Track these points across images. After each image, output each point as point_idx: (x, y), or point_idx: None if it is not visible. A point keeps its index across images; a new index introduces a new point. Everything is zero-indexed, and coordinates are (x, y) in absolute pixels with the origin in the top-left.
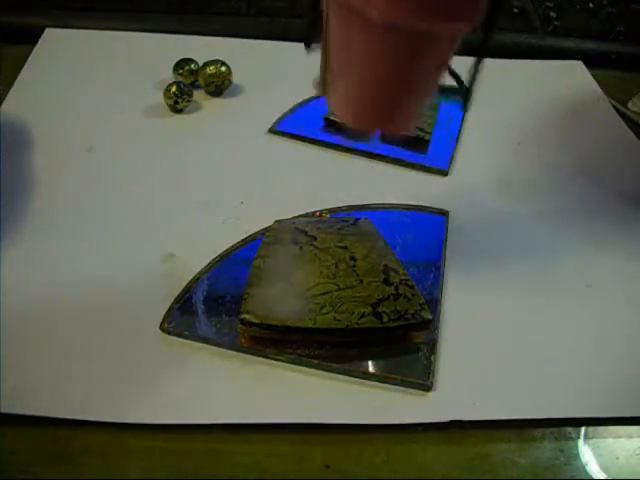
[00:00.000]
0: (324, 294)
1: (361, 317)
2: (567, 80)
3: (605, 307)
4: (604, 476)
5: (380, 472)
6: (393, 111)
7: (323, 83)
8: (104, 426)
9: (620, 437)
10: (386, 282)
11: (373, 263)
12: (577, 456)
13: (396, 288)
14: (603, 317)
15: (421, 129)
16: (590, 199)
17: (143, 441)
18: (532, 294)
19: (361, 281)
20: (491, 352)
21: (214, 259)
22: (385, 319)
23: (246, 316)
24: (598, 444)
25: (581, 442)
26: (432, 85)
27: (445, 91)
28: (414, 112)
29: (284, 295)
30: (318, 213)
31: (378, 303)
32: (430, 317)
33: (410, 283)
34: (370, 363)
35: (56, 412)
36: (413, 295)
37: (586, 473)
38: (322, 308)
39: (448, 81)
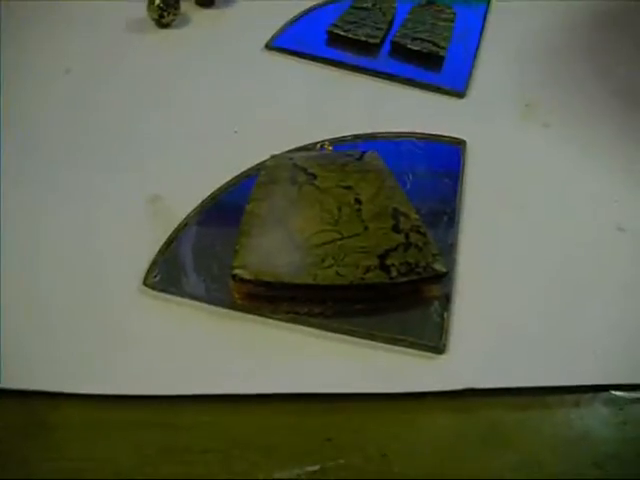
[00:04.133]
0: (325, 244)
1: (367, 271)
2: None
3: (638, 254)
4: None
5: (386, 445)
6: None
7: None
8: (83, 398)
9: None
10: (395, 229)
11: (381, 206)
12: (599, 425)
13: (406, 236)
14: (635, 266)
15: (434, 43)
16: (625, 126)
17: (127, 414)
18: (557, 239)
19: (367, 228)
20: (510, 309)
21: (203, 201)
22: (394, 273)
23: (238, 272)
24: (619, 411)
25: (602, 409)
26: None
27: None
28: None
29: (281, 246)
30: (319, 145)
31: (386, 254)
32: (444, 270)
33: (422, 230)
34: (376, 322)
35: (31, 384)
36: (425, 244)
37: (608, 443)
38: (323, 261)
39: None
